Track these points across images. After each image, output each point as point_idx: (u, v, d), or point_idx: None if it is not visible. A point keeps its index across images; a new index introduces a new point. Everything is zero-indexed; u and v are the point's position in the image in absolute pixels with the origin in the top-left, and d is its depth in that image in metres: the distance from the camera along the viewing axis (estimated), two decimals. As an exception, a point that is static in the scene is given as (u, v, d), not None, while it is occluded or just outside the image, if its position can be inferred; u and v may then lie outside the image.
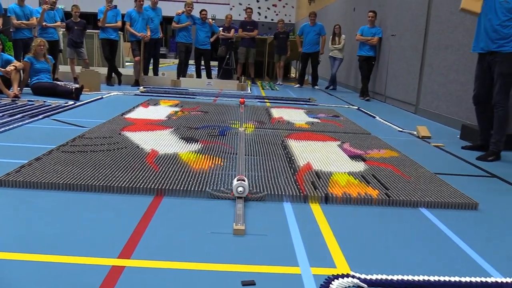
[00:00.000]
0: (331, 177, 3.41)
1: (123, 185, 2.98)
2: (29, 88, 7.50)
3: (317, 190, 3.09)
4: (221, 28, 11.78)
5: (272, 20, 24.48)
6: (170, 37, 25.29)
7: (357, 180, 3.38)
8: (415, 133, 5.71)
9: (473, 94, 4.86)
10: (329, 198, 3.00)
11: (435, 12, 7.13)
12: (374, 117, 6.96)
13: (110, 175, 3.18)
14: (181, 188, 2.99)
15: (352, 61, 11.40)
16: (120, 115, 5.71)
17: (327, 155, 4.15)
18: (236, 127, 5.35)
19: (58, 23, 9.18)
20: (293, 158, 3.96)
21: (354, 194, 3.07)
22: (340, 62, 11.49)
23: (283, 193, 3.02)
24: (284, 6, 25.32)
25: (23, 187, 2.93)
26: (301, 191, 3.05)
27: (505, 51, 4.44)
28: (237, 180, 2.97)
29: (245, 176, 3.19)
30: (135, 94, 8.29)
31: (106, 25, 9.29)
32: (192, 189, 3.00)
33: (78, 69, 9.59)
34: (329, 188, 3.17)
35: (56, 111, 5.87)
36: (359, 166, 3.84)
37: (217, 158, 3.84)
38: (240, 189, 2.92)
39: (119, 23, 9.51)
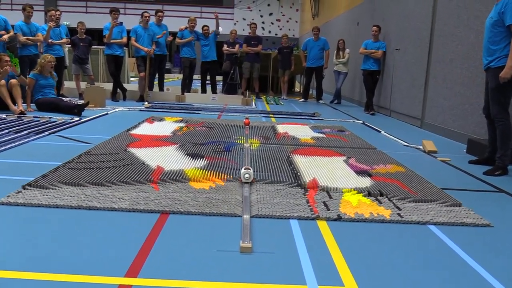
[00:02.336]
0: (343, 197, 3.41)
1: (130, 207, 2.99)
2: (33, 104, 7.58)
3: (330, 211, 3.08)
4: (225, 43, 11.88)
5: (276, 34, 24.64)
6: (175, 52, 25.49)
7: (369, 200, 3.36)
8: (421, 147, 5.70)
9: (483, 106, 4.94)
10: (341, 218, 2.99)
11: (439, 25, 7.17)
12: (379, 132, 6.96)
13: (117, 194, 3.19)
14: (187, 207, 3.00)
15: (357, 75, 11.44)
16: (126, 131, 5.74)
17: (333, 171, 4.15)
18: (241, 142, 5.36)
19: (64, 40, 9.28)
20: (299, 174, 3.96)
21: (365, 214, 3.07)
22: (345, 77, 11.53)
23: (292, 214, 3.01)
24: (287, 21, 25.51)
25: (29, 206, 2.94)
26: (313, 212, 3.03)
27: (493, 66, 4.57)
28: (244, 169, 3.59)
29: (252, 192, 3.19)
30: (140, 110, 8.34)
31: (112, 41, 9.39)
32: (198, 206, 3.01)
33: (83, 85, 9.66)
34: (340, 207, 3.16)
35: (62, 127, 5.90)
36: (366, 182, 3.83)
37: (223, 174, 3.84)
38: (247, 175, 3.57)
39: (125, 39, 9.61)
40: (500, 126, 4.56)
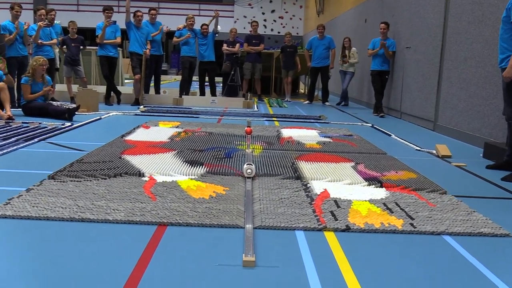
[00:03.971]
0: (351, 206, 3.40)
1: (127, 218, 2.99)
2: (20, 109, 7.61)
3: (337, 221, 3.06)
4: (225, 43, 11.90)
5: (278, 32, 24.66)
6: (171, 52, 25.55)
7: (379, 208, 3.35)
8: (434, 152, 5.68)
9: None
10: (350, 229, 2.98)
11: (452, 22, 7.17)
12: (390, 135, 6.95)
13: (111, 205, 3.19)
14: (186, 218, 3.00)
15: (365, 76, 11.44)
16: (120, 137, 5.74)
17: (341, 177, 4.14)
18: (243, 148, 5.36)
19: (55, 41, 9.29)
20: (303, 180, 3.96)
21: (376, 224, 3.06)
22: (351, 77, 11.53)
23: (297, 224, 3.01)
24: (291, 18, 25.54)
25: (18, 218, 2.93)
26: (320, 222, 3.02)
27: (503, 66, 4.60)
28: (246, 164, 4.06)
29: (255, 201, 3.19)
30: (135, 114, 8.35)
31: (105, 41, 9.41)
32: (197, 217, 3.01)
33: (75, 88, 9.67)
34: (349, 217, 3.15)
35: (53, 133, 5.91)
36: (378, 191, 3.83)
37: (224, 182, 3.83)
38: (249, 171, 4.00)
39: (119, 39, 9.62)
40: None
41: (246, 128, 6.19)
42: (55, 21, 9.83)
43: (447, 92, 7.21)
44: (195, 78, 11.51)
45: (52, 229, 2.80)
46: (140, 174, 3.99)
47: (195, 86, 12.14)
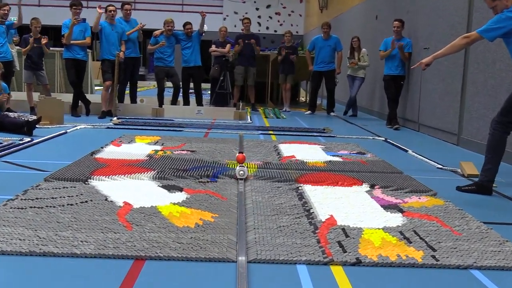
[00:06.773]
0: (362, 235, 3.40)
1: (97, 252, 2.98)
2: None
3: (346, 253, 3.06)
4: (214, 44, 11.94)
5: (275, 31, 24.82)
6: (150, 55, 25.63)
7: (395, 238, 3.35)
8: (458, 170, 5.71)
9: None
10: (361, 262, 2.98)
11: (477, 18, 7.24)
12: (406, 151, 6.99)
13: (79, 236, 3.18)
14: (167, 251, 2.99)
15: (376, 81, 11.52)
16: (90, 155, 5.73)
17: (353, 204, 4.16)
18: (234, 167, 5.35)
19: (15, 39, 9.28)
20: (306, 206, 3.97)
21: (391, 257, 3.05)
22: (361, 83, 11.60)
23: (299, 257, 3.00)
24: (289, 15, 25.74)
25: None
26: (325, 254, 3.02)
27: None
28: (239, 166, 4.70)
29: (249, 230, 3.20)
30: (108, 127, 8.35)
31: (72, 42, 9.41)
32: (181, 250, 3.00)
33: (35, 96, 9.66)
34: (359, 249, 3.14)
35: (9, 150, 5.89)
36: (393, 217, 3.84)
37: (212, 207, 3.83)
38: (241, 172, 4.63)
39: (88, 40, 9.62)
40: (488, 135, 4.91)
41: (237, 155, 5.43)
42: (11, 18, 9.84)
43: (473, 100, 7.26)
44: (169, 84, 11.39)
45: (8, 265, 2.78)
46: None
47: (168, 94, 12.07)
